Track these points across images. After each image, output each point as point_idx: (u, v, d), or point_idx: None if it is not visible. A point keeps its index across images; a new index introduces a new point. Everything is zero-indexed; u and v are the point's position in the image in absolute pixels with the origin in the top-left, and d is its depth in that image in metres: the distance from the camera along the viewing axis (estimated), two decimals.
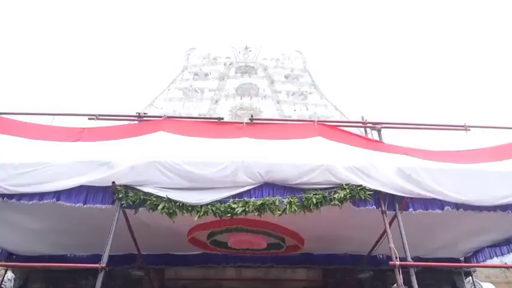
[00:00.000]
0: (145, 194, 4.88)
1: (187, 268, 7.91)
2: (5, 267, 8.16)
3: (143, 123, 6.07)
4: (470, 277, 8.73)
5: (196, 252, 7.44)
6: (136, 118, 6.35)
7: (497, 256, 7.36)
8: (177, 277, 8.20)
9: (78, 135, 5.49)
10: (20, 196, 4.88)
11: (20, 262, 7.39)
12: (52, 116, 5.97)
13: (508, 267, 10.11)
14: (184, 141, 5.30)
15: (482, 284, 10.01)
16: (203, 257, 7.49)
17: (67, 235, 6.52)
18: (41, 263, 7.03)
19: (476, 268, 9.41)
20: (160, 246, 7.14)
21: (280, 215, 4.82)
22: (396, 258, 4.64)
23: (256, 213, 4.83)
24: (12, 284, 8.66)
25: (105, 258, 4.51)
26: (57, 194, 4.86)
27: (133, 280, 7.67)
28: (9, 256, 7.45)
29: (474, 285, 8.75)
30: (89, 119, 6.08)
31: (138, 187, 4.92)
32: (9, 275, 8.78)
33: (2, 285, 8.31)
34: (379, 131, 6.02)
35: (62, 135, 5.50)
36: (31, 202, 4.87)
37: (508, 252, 7.14)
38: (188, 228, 6.20)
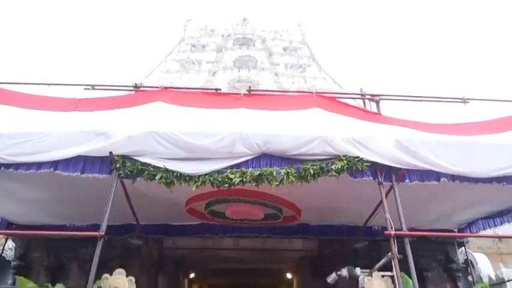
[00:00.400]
0: (143, 164, 4.88)
1: (186, 238, 8.02)
2: (5, 236, 8.27)
3: (140, 93, 6.01)
4: (463, 248, 8.93)
5: (194, 223, 7.52)
6: (133, 88, 6.27)
7: (490, 227, 7.48)
8: (176, 246, 8.35)
9: (75, 105, 5.44)
10: (18, 166, 4.87)
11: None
12: (48, 86, 5.90)
13: (499, 237, 10.34)
14: (182, 112, 5.26)
15: (475, 254, 10.27)
16: (201, 227, 7.57)
17: (66, 205, 6.57)
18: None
19: (469, 239, 9.61)
20: (159, 216, 7.21)
21: (277, 185, 4.84)
22: (391, 228, 4.71)
23: (253, 184, 4.86)
24: (13, 253, 8.81)
25: (103, 227, 4.55)
26: (55, 164, 4.85)
27: (133, 249, 7.79)
28: (9, 226, 7.52)
29: (467, 255, 8.96)
30: (84, 89, 6.01)
31: (135, 157, 4.91)
32: (10, 244, 8.92)
33: (3, 254, 8.45)
34: (377, 103, 6.00)
35: (58, 105, 5.45)
36: (29, 172, 4.86)
37: (501, 223, 7.24)
38: (186, 198, 6.25)
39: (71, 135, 4.91)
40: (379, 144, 5.06)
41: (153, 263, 8.05)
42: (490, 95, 7.14)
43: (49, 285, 4.23)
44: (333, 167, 4.87)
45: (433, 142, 5.18)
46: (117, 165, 4.83)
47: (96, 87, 6.05)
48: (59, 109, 5.35)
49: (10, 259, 8.85)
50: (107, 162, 4.90)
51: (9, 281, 8.59)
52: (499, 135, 5.49)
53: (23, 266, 8.25)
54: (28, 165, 4.87)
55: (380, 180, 5.04)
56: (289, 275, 9.62)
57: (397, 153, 5.03)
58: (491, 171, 5.19)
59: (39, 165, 4.85)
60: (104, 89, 6.14)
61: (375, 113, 5.80)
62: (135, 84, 6.45)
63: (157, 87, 6.09)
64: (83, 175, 4.88)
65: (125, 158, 4.89)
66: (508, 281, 8.78)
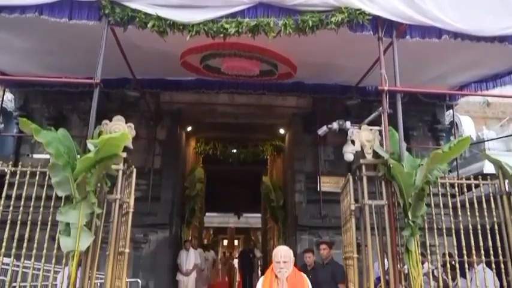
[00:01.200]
0: (133, 10, 4.63)
1: (182, 93, 8.15)
2: (2, 88, 8.32)
3: None
4: (450, 110, 9.23)
5: (190, 78, 7.53)
6: None
7: (481, 90, 7.61)
8: (172, 100, 8.52)
9: None
10: (0, 9, 4.62)
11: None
12: None
13: (486, 96, 10.67)
14: None
15: (461, 117, 10.71)
16: (197, 82, 7.61)
17: (58, 56, 6.49)
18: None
19: (458, 103, 9.86)
20: (154, 70, 7.16)
21: (274, 37, 4.68)
22: (385, 83, 4.74)
23: (249, 35, 4.70)
24: (13, 104, 9.01)
25: (98, 74, 4.52)
26: (39, 8, 4.59)
27: (130, 102, 7.98)
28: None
29: (453, 117, 9.33)
30: None
31: (125, 3, 4.64)
32: (9, 96, 9.04)
33: (4, 106, 8.63)
34: None
35: None
36: (13, 15, 4.63)
37: (494, 87, 7.33)
38: (181, 51, 6.13)
39: None
40: None
41: (151, 115, 8.32)
42: None
43: (52, 128, 4.40)
44: (332, 19, 4.65)
45: None
46: (106, 11, 4.58)
47: None
48: None
49: (11, 110, 9.09)
50: (95, 8, 4.65)
51: (15, 130, 8.96)
52: None
53: (25, 116, 8.47)
54: (11, 9, 4.62)
55: (380, 35, 4.89)
56: (282, 131, 10.05)
57: (401, 6, 4.77)
58: (496, 30, 5.03)
59: (22, 8, 4.61)
60: None
61: None
62: None
63: None
64: (71, 21, 4.66)
65: (113, 3, 4.63)
66: (487, 140, 9.36)
